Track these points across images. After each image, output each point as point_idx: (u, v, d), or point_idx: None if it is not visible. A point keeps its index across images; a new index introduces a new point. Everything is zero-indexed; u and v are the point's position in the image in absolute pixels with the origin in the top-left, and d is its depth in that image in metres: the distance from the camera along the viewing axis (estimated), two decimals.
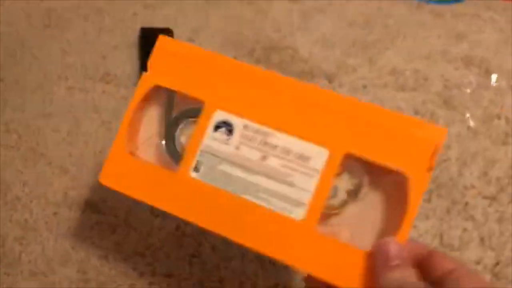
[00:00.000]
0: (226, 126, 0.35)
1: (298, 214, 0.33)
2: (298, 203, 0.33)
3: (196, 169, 0.34)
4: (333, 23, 0.67)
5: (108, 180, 0.36)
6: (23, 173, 0.51)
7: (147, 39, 0.63)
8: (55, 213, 0.49)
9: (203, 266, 0.44)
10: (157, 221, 0.47)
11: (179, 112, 0.38)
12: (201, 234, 0.46)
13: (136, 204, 0.38)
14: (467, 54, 0.62)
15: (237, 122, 0.35)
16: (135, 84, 0.44)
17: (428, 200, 0.47)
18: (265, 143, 0.34)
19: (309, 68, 0.61)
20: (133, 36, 0.64)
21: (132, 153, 0.37)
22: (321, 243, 0.32)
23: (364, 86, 0.58)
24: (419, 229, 0.45)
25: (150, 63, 0.37)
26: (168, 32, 0.64)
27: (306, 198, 0.33)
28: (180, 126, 0.37)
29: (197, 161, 0.35)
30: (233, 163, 0.34)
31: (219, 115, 0.35)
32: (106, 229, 0.47)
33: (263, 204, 0.33)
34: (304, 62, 0.62)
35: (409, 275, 0.29)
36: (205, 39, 0.64)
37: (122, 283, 0.44)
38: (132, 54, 0.62)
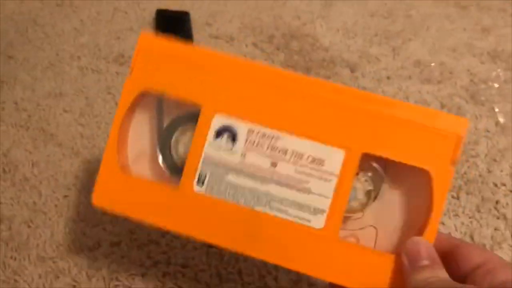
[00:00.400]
0: (228, 132, 0.31)
1: (318, 222, 0.30)
2: (316, 211, 0.30)
3: (200, 182, 0.31)
4: (355, 12, 0.65)
5: (102, 201, 0.32)
6: (32, 153, 0.49)
7: (163, 21, 0.61)
8: (65, 196, 0.47)
9: (220, 257, 0.43)
10: None
11: (172, 119, 0.34)
12: None
13: None
14: (494, 48, 0.60)
15: (240, 126, 0.31)
16: None
17: (457, 197, 0.45)
18: (274, 148, 0.31)
19: (330, 57, 0.59)
20: (149, 17, 0.62)
21: (124, 169, 0.33)
22: (344, 250, 0.30)
23: (388, 77, 0.56)
24: (447, 226, 0.43)
25: (133, 65, 0.32)
26: (184, 15, 0.62)
27: (325, 204, 0.30)
28: (175, 135, 0.33)
29: (200, 173, 0.31)
30: (240, 173, 0.31)
31: (219, 120, 0.31)
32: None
33: (278, 214, 0.31)
34: (324, 50, 0.60)
35: (440, 275, 0.28)
36: (223, 24, 0.62)
37: (135, 272, 0.42)
38: None
